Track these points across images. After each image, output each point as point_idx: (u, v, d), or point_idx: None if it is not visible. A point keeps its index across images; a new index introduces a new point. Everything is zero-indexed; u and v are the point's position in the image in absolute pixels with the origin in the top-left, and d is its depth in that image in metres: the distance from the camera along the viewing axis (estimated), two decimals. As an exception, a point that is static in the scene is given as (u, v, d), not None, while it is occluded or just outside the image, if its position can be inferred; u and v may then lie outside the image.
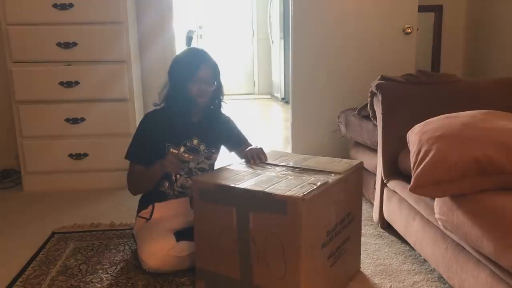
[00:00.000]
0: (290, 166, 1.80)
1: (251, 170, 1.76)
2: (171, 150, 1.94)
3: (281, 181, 1.61)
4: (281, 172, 1.71)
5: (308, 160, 1.88)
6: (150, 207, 2.01)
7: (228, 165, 1.84)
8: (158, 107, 2.05)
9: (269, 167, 1.80)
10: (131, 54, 2.94)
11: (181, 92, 1.94)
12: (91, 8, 2.83)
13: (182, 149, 1.98)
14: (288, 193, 1.48)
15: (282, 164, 1.84)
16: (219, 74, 2.01)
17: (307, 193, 1.48)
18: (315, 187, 1.53)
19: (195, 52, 2.11)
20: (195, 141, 2.02)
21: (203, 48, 2.15)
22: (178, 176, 2.01)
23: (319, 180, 1.60)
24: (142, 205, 2.05)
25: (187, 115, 2.00)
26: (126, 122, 2.98)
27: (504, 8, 3.24)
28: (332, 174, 1.68)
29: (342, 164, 1.81)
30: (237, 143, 2.14)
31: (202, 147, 2.03)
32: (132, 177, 1.98)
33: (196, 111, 2.02)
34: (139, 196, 2.11)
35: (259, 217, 1.54)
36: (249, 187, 1.56)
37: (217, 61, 2.01)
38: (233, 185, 1.59)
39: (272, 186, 1.55)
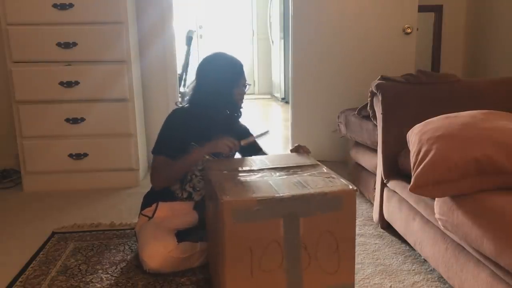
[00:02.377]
0: (278, 168, 1.72)
1: (254, 178, 1.63)
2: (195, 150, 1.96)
3: (303, 180, 1.58)
4: (284, 174, 1.67)
5: (277, 160, 1.84)
6: (154, 206, 2.01)
7: (215, 179, 1.65)
8: (180, 105, 2.08)
9: (261, 173, 1.68)
10: (131, 54, 2.94)
11: (223, 97, 1.98)
12: (91, 8, 2.83)
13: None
14: (339, 188, 1.50)
15: (264, 168, 1.73)
16: None
17: (350, 184, 1.51)
18: (340, 178, 1.57)
19: (231, 57, 2.08)
20: None
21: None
22: (193, 176, 2.01)
23: (327, 172, 1.64)
24: (147, 202, 2.05)
25: (216, 119, 2.02)
26: (126, 122, 2.98)
27: (504, 8, 3.24)
28: (323, 167, 1.70)
29: (307, 157, 1.85)
30: (254, 152, 2.14)
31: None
32: (161, 169, 1.95)
33: (225, 111, 2.07)
34: (140, 195, 2.11)
35: (310, 220, 1.49)
36: (298, 193, 1.49)
37: None
38: (279, 195, 1.47)
39: (310, 186, 1.52)
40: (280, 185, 1.53)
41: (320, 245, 1.52)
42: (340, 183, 1.55)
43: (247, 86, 2.08)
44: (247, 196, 1.45)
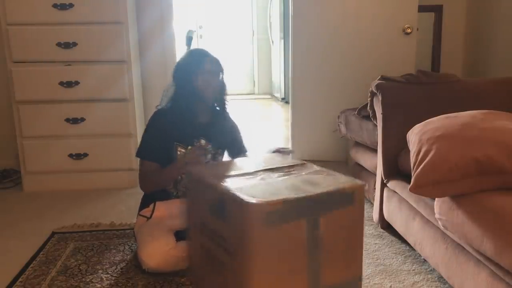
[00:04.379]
0: (272, 169, 1.71)
1: (259, 181, 1.60)
2: (179, 149, 1.96)
3: (308, 179, 1.59)
4: (282, 175, 1.66)
5: (263, 161, 1.82)
6: (151, 206, 2.01)
7: (220, 184, 1.58)
8: (159, 107, 2.07)
9: (259, 175, 1.65)
10: (131, 54, 2.94)
11: (187, 88, 1.97)
12: (91, 8, 2.83)
13: (189, 148, 1.99)
14: (350, 184, 1.52)
15: (258, 170, 1.70)
16: (222, 69, 2.06)
17: (353, 179, 1.55)
18: (337, 173, 1.61)
19: (197, 49, 2.16)
20: (203, 142, 2.02)
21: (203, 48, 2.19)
22: (183, 176, 2.01)
23: (322, 169, 1.66)
24: (144, 203, 2.05)
25: (194, 113, 2.01)
26: (126, 122, 2.98)
27: (504, 8, 3.24)
28: (313, 166, 1.72)
29: (287, 157, 1.88)
30: (238, 153, 2.16)
31: (209, 147, 2.04)
32: (147, 176, 1.98)
33: (203, 109, 2.04)
34: (140, 196, 2.11)
35: (328, 218, 1.50)
36: (318, 191, 1.48)
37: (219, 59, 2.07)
38: (302, 195, 1.45)
39: (321, 184, 1.54)
40: (292, 185, 1.53)
41: (337, 241, 1.53)
42: (345, 179, 1.56)
43: (221, 75, 2.04)
44: (271, 198, 1.40)
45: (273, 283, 1.43)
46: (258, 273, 1.41)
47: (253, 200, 1.37)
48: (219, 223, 1.51)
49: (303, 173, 1.65)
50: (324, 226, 1.49)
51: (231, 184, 1.54)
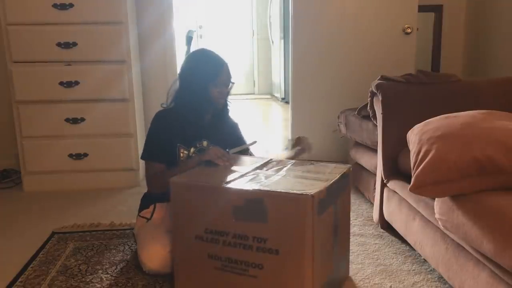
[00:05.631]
0: (261, 167, 1.77)
1: (273, 178, 1.62)
2: (182, 150, 1.95)
3: (306, 170, 1.70)
4: (276, 171, 1.71)
5: (245, 162, 1.91)
6: (151, 207, 2.00)
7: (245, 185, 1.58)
8: (165, 106, 2.05)
9: (258, 173, 1.69)
10: (131, 54, 2.94)
11: (199, 94, 1.94)
12: (91, 8, 2.83)
13: (192, 150, 1.98)
14: (346, 167, 1.73)
15: (251, 169, 1.73)
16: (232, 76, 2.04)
17: (336, 164, 1.80)
18: (316, 162, 1.81)
19: (212, 54, 2.04)
20: (205, 143, 2.01)
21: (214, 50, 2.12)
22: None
23: (295, 161, 1.83)
24: (144, 204, 2.05)
25: (199, 117, 2.00)
26: (126, 122, 2.98)
27: (504, 8, 3.24)
28: (290, 161, 1.86)
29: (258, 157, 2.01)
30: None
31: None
32: (156, 177, 1.94)
33: (208, 112, 2.03)
34: (139, 196, 2.11)
35: (339, 200, 1.66)
36: (335, 177, 1.60)
37: None
38: (331, 181, 1.54)
39: (322, 172, 1.66)
40: (303, 177, 1.60)
41: (343, 221, 1.70)
42: (333, 164, 1.76)
43: (231, 84, 2.02)
44: (321, 187, 1.47)
45: (318, 269, 1.51)
46: (308, 260, 1.45)
47: (307, 192, 1.42)
48: (253, 226, 1.50)
49: (291, 166, 1.75)
50: (338, 209, 1.64)
51: (253, 185, 1.55)
